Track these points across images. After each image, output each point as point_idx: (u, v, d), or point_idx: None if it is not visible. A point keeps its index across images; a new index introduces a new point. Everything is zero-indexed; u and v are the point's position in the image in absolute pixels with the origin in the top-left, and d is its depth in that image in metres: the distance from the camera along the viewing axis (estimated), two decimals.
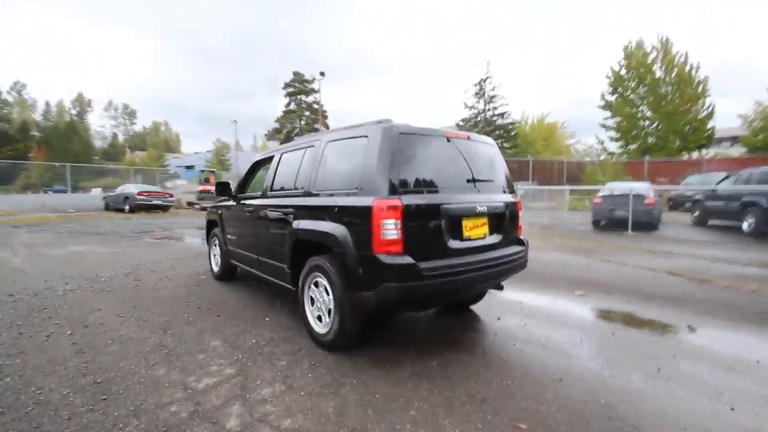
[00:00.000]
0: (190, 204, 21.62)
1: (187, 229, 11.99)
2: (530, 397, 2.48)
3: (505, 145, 33.45)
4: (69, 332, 3.55)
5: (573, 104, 67.35)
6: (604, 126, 25.05)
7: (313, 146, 3.56)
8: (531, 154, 29.93)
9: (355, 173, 2.93)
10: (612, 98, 24.27)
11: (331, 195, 3.10)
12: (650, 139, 23.31)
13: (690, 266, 6.26)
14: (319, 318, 3.22)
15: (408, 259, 2.64)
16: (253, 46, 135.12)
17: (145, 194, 17.62)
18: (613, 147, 25.49)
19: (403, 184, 2.76)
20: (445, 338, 3.42)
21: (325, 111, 27.95)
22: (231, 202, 4.94)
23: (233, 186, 5.01)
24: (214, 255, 5.55)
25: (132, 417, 2.27)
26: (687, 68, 21.50)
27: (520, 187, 17.54)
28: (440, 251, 2.85)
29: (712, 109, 21.69)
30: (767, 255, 7.23)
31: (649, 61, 22.55)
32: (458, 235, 2.98)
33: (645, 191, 10.88)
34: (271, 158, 4.36)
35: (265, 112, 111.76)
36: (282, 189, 3.87)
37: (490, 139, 3.64)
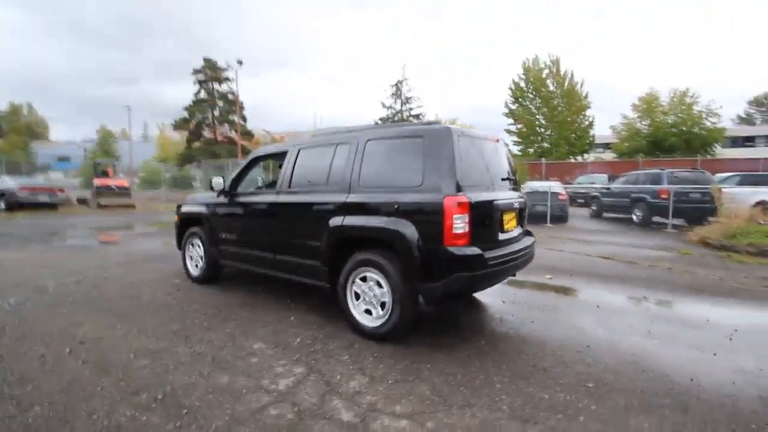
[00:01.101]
0: (81, 201, 18.64)
1: (106, 230, 10.47)
2: (577, 363, 2.93)
3: None
4: (67, 350, 3.05)
5: (481, 110, 73.70)
6: (507, 131, 28.06)
7: (347, 143, 3.58)
8: None
9: (413, 171, 3.07)
10: (514, 107, 27.29)
11: (384, 192, 3.19)
12: (545, 144, 26.78)
13: (612, 251, 7.56)
14: (367, 311, 3.29)
15: (476, 250, 2.90)
16: (137, 26, 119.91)
17: (28, 189, 14.77)
18: (515, 150, 28.67)
19: (464, 181, 3.00)
20: (470, 323, 3.75)
21: (242, 102, 26.32)
22: (221, 199, 4.61)
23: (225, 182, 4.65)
24: (191, 257, 5.10)
25: (236, 426, 2.15)
26: (574, 84, 25.24)
27: None
28: (492, 242, 3.16)
29: (593, 120, 25.89)
30: (659, 240, 9.04)
31: (543, 76, 25.90)
32: (501, 227, 3.32)
33: (559, 189, 12.62)
34: (281, 154, 4.20)
35: (156, 99, 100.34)
36: (308, 185, 3.80)
37: (503, 140, 4.05)
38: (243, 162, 4.63)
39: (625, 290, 4.93)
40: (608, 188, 13.08)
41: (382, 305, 3.19)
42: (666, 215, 10.54)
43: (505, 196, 3.42)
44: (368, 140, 3.43)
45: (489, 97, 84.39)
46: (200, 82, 25.93)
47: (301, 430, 2.12)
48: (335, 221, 3.39)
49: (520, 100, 26.92)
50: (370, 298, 3.26)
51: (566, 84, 25.48)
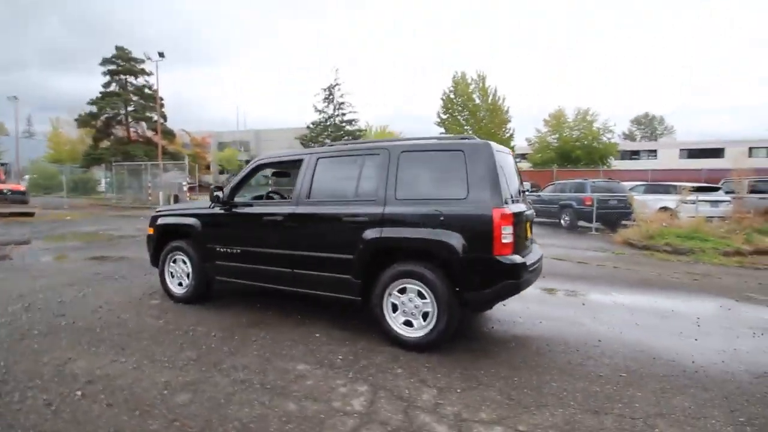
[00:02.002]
0: None
1: (16, 244, 8.82)
2: (601, 355, 3.28)
3: None
4: (78, 393, 2.60)
5: (412, 118, 76.16)
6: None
7: (376, 155, 3.57)
8: None
9: (456, 184, 3.19)
10: (445, 117, 28.86)
11: (424, 203, 3.25)
12: None
13: (559, 253, 8.43)
14: (407, 323, 3.32)
15: (521, 258, 3.12)
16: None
17: None
18: None
19: (504, 194, 3.19)
20: (484, 327, 3.97)
21: (162, 99, 23.94)
22: (217, 210, 4.25)
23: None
24: (172, 274, 4.60)
25: None
26: (497, 99, 27.55)
27: None
28: (524, 250, 3.40)
29: (513, 132, 28.46)
30: (590, 242, 10.26)
31: (470, 90, 27.85)
32: (527, 236, 3.59)
33: None
34: (293, 162, 4.01)
35: (43, 90, 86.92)
36: (332, 196, 3.70)
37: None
38: (245, 169, 4.31)
39: (593, 288, 5.57)
40: (539, 196, 14.47)
41: (424, 315, 3.25)
42: (590, 220, 12.02)
43: (524, 206, 3.70)
44: (402, 152, 3.47)
45: (422, 106, 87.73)
46: (111, 74, 23.02)
47: None
48: (371, 233, 3.36)
49: (450, 111, 28.54)
50: (410, 309, 3.29)
51: (490, 98, 27.65)
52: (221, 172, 44.96)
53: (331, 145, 4.07)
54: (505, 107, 27.90)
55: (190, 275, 4.45)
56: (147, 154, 23.21)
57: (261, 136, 47.90)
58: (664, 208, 11.24)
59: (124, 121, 24.28)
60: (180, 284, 4.56)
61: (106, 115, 23.64)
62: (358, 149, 3.81)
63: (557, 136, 30.21)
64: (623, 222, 11.86)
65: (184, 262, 4.51)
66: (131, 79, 23.80)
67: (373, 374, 2.91)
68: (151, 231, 4.84)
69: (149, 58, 21.41)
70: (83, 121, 23.54)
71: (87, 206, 20.36)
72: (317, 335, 3.65)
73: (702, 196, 11.04)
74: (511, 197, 3.51)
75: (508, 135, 28.17)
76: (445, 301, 3.14)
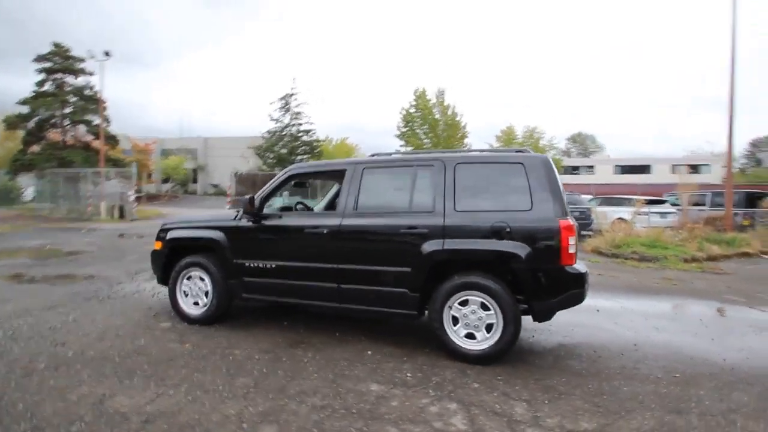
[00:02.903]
0: None
1: None
2: (645, 359, 3.47)
3: (311, 161, 34.94)
4: None
5: (367, 132, 76.42)
6: (399, 153, 29.97)
7: (430, 166, 3.54)
8: None
9: (519, 196, 3.25)
10: (405, 130, 29.42)
11: (485, 215, 3.27)
12: None
13: None
14: (469, 335, 3.29)
15: (584, 267, 3.22)
16: None
17: None
18: None
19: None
20: (524, 337, 4.04)
21: (105, 101, 21.92)
22: (245, 222, 3.96)
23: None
24: (185, 293, 4.19)
25: None
26: (455, 115, 28.67)
27: None
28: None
29: (470, 147, 29.64)
30: None
31: (430, 105, 28.71)
32: None
33: None
34: (335, 172, 3.86)
35: None
36: (383, 208, 3.60)
37: None
38: (276, 178, 4.05)
39: (595, 294, 5.83)
40: None
41: (488, 327, 3.24)
42: None
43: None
44: (457, 164, 3.48)
45: (374, 119, 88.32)
46: (46, 72, 20.69)
47: None
48: (431, 246, 3.31)
49: (409, 124, 29.15)
50: (473, 321, 3.27)
51: (449, 113, 28.70)
52: (165, 181, 42.08)
53: (374, 156, 3.98)
54: (463, 123, 29.09)
55: (210, 294, 4.07)
56: (86, 161, 21.07)
57: (210, 144, 45.59)
58: (621, 219, 12.26)
59: (59, 124, 21.89)
60: (196, 303, 4.16)
61: (38, 117, 21.17)
62: (408, 160, 3.76)
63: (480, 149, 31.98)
64: (582, 232, 12.77)
65: (202, 279, 4.13)
66: (70, 78, 21.59)
67: (453, 390, 2.84)
68: (158, 246, 4.39)
69: (93, 57, 19.62)
70: (11, 123, 20.87)
71: (13, 218, 17.99)
72: (369, 353, 3.49)
73: (653, 208, 12.21)
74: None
75: (465, 149, 29.31)
76: (511, 312, 3.15)
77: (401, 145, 29.62)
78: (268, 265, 3.85)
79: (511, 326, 3.16)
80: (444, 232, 3.32)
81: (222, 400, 2.66)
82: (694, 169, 35.04)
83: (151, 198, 34.67)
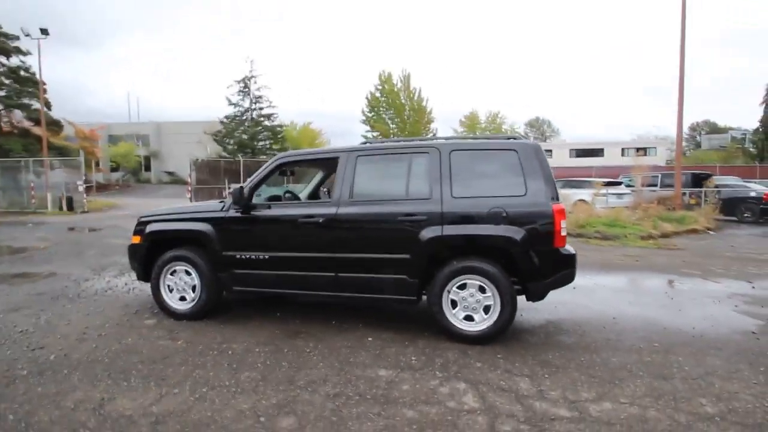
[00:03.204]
0: None
1: None
2: (625, 331, 3.73)
3: (274, 147, 33.93)
4: None
5: (329, 116, 74.82)
6: (365, 137, 29.76)
7: (425, 154, 3.56)
8: None
9: (514, 182, 3.35)
10: (371, 115, 29.25)
11: (481, 201, 3.35)
12: None
13: None
14: (468, 317, 3.40)
15: (573, 249, 3.39)
16: None
17: None
18: None
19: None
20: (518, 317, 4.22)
21: (45, 84, 20.01)
22: (233, 212, 3.82)
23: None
24: (170, 288, 4.01)
25: None
26: (421, 100, 28.81)
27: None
28: None
29: (436, 132, 30.01)
30: None
31: (396, 89, 28.65)
32: None
33: None
34: (326, 160, 3.78)
35: None
36: (379, 196, 3.59)
37: None
38: (265, 167, 3.91)
39: None
40: None
41: (486, 309, 3.36)
42: None
43: None
44: (452, 151, 3.52)
45: (346, 103, 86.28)
46: None
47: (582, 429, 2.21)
48: (430, 232, 3.36)
49: (375, 109, 28.99)
50: (471, 304, 3.37)
51: (415, 98, 28.78)
52: (114, 170, 39.44)
53: (366, 143, 3.93)
54: (429, 108, 29.30)
55: (198, 288, 3.93)
56: (26, 149, 19.35)
57: (163, 130, 43.06)
58: (582, 201, 12.94)
59: None
60: (182, 299, 4.00)
61: None
62: (402, 147, 3.75)
63: (472, 136, 32.71)
64: None
65: (188, 273, 3.96)
66: (1, 58, 19.49)
67: (458, 371, 2.94)
68: (136, 240, 4.16)
69: (28, 35, 17.78)
70: None
71: None
72: (370, 339, 3.53)
73: (611, 190, 12.97)
74: None
75: (431, 134, 29.58)
76: (508, 294, 3.28)
77: (367, 131, 29.50)
78: (261, 257, 3.76)
79: (509, 307, 3.29)
80: (442, 218, 3.37)
81: (231, 395, 2.61)
82: (642, 151, 37.43)
83: (101, 188, 32.46)
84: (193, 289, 3.97)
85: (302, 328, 3.80)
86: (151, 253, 4.07)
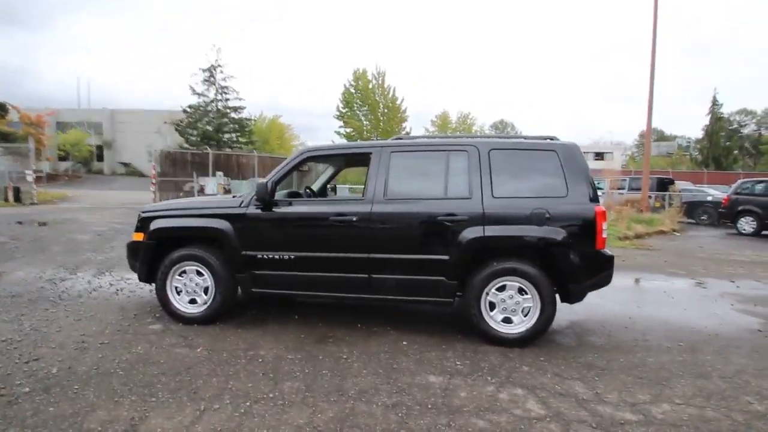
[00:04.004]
0: None
1: None
2: (650, 330, 3.82)
3: (241, 140, 32.71)
4: None
5: (299, 112, 73.06)
6: (338, 134, 29.37)
7: (462, 152, 3.45)
8: (266, 151, 30.93)
9: (555, 182, 3.31)
10: (345, 111, 28.82)
11: (522, 201, 3.29)
12: None
13: None
14: (506, 320, 3.33)
15: (610, 251, 3.41)
16: None
17: None
18: None
19: None
20: None
21: None
22: (254, 209, 3.53)
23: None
24: (178, 290, 3.67)
25: None
26: (395, 98, 28.72)
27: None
28: None
29: (410, 131, 30.06)
30: None
31: (370, 87, 28.38)
32: None
33: None
34: (357, 155, 3.58)
35: None
36: (416, 194, 3.45)
37: None
38: (289, 161, 3.64)
39: None
40: None
41: (525, 311, 3.31)
42: None
43: None
44: (491, 150, 3.43)
45: (316, 99, 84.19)
46: None
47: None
48: (472, 232, 3.26)
49: (350, 105, 28.60)
50: (510, 306, 3.31)
51: (390, 96, 28.66)
52: (63, 159, 36.41)
53: (399, 139, 3.76)
54: (403, 107, 29.29)
55: (212, 289, 3.61)
56: None
57: (117, 118, 40.36)
58: None
59: None
60: (192, 301, 3.67)
61: None
62: (439, 144, 3.62)
63: (507, 135, 33.19)
64: None
65: (200, 274, 3.64)
66: None
67: (509, 376, 2.86)
68: (139, 237, 3.77)
69: None
70: None
71: None
72: (404, 343, 3.38)
73: None
74: None
75: (404, 133, 29.62)
76: (549, 296, 3.25)
77: (340, 126, 29.06)
78: (286, 257, 3.50)
79: (549, 308, 3.26)
80: (484, 218, 3.28)
81: (281, 409, 2.38)
82: (599, 156, 39.53)
83: (49, 178, 29.88)
84: (206, 291, 3.64)
85: (328, 331, 3.59)
86: (157, 252, 3.70)
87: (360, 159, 3.67)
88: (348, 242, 3.44)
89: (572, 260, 3.23)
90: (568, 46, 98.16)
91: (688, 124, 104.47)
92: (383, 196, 3.44)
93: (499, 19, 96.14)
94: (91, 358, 2.96)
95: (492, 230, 3.27)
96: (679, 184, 16.45)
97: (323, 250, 3.49)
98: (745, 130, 48.87)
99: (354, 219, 3.40)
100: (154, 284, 3.78)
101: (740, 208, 11.52)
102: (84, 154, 36.55)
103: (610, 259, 3.36)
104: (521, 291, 3.30)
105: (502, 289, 3.32)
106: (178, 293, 3.69)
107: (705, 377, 2.92)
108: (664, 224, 11.61)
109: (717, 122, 37.31)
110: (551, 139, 3.58)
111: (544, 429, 2.25)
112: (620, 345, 3.48)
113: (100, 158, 39.61)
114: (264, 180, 3.48)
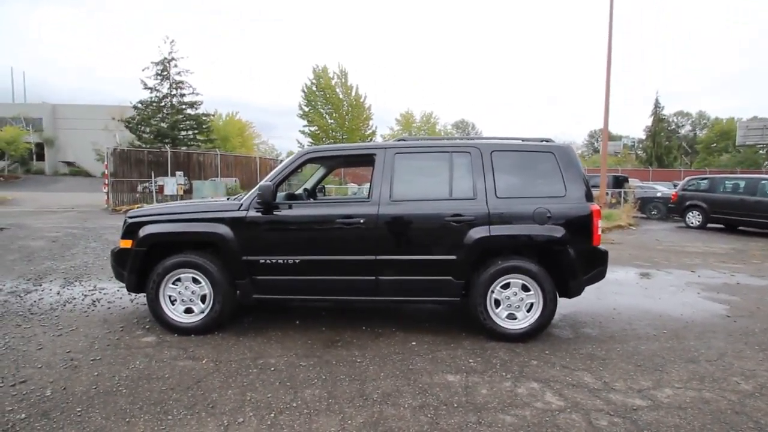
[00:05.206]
0: None
1: None
2: (634, 320, 4.09)
3: (199, 137, 31.30)
4: None
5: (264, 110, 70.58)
6: (302, 132, 28.82)
7: (465, 153, 3.51)
8: (226, 150, 29.91)
9: (553, 183, 3.45)
10: (308, 109, 28.30)
11: (523, 201, 3.40)
12: None
13: None
14: (510, 316, 3.44)
15: (604, 247, 3.60)
16: None
17: None
18: None
19: None
20: None
21: None
22: (254, 212, 3.41)
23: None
24: (172, 299, 3.47)
25: None
26: (359, 97, 28.55)
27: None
28: None
29: (375, 129, 30.06)
30: None
31: (332, 84, 28.04)
32: None
33: None
34: (360, 156, 3.54)
35: None
36: (423, 195, 3.48)
37: None
38: (289, 163, 3.53)
39: None
40: None
41: (529, 307, 3.43)
42: None
43: None
44: (493, 151, 3.52)
45: (275, 96, 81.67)
46: None
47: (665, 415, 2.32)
48: (478, 232, 3.33)
49: (312, 103, 28.11)
50: (515, 303, 3.42)
51: (353, 94, 28.45)
52: None
53: (402, 140, 3.75)
54: (367, 104, 29.20)
55: (210, 297, 3.45)
56: None
57: (59, 113, 37.42)
58: None
59: None
60: (188, 311, 3.49)
61: None
62: (442, 146, 3.65)
63: (407, 134, 33.41)
64: None
65: (196, 282, 3.47)
66: None
67: (521, 370, 2.95)
68: (127, 244, 3.52)
69: None
70: None
71: None
72: (413, 343, 3.41)
73: None
74: None
75: (370, 131, 29.61)
76: (551, 292, 3.39)
77: (305, 125, 28.51)
78: (290, 261, 3.41)
79: (551, 305, 3.40)
80: (489, 218, 3.37)
81: (308, 417, 2.33)
82: None
83: None
84: (203, 299, 3.48)
85: (334, 335, 3.54)
86: (147, 259, 3.48)
87: (362, 160, 3.63)
88: (355, 244, 3.41)
89: (572, 257, 3.39)
90: (521, 48, 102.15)
91: (629, 125, 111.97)
92: (389, 197, 3.44)
93: (457, 20, 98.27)
94: (86, 377, 2.74)
95: (497, 230, 3.36)
96: (632, 182, 17.64)
97: (329, 253, 3.43)
98: (682, 131, 53.28)
99: (361, 221, 3.37)
100: (144, 294, 3.56)
101: (688, 203, 12.53)
102: (21, 153, 33.55)
103: (604, 255, 3.56)
104: (524, 288, 3.42)
105: (506, 286, 3.43)
106: (173, 302, 3.49)
107: (694, 362, 3.17)
108: (621, 219, 12.40)
109: (659, 123, 40.33)
110: (547, 141, 3.73)
111: (567, 420, 2.35)
112: (613, 335, 3.69)
113: (41, 157, 36.58)
114: (267, 181, 3.37)
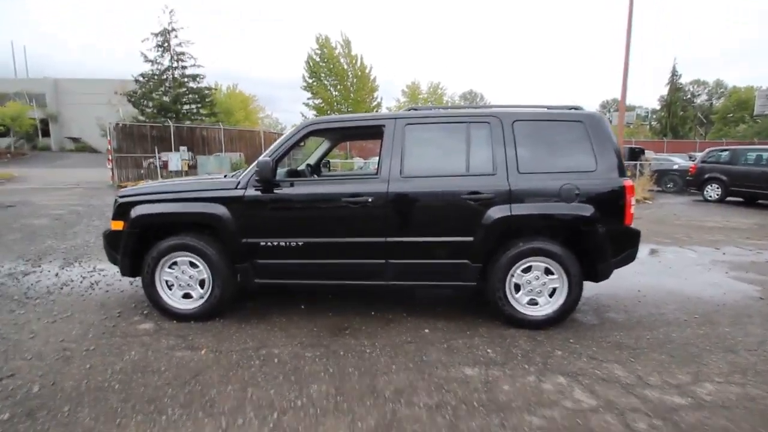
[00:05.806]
0: None
1: None
2: (662, 304, 3.81)
3: (203, 111, 30.73)
4: None
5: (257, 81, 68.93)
6: (306, 105, 28.09)
7: (484, 123, 3.16)
8: (230, 124, 29.39)
9: (583, 156, 3.11)
10: (311, 81, 27.45)
11: (548, 176, 3.08)
12: None
13: None
14: (531, 302, 3.19)
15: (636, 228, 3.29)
16: None
17: None
18: None
19: None
20: None
21: None
22: (254, 191, 3.14)
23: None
24: (169, 284, 3.27)
25: None
26: (364, 67, 27.56)
27: None
28: None
29: (381, 100, 29.20)
30: None
31: (336, 54, 27.04)
32: None
33: None
34: (367, 128, 3.22)
35: None
36: (438, 171, 3.16)
37: None
38: (290, 136, 3.22)
39: None
40: None
41: (551, 292, 3.17)
42: None
43: None
44: (515, 121, 3.17)
45: (276, 70, 79.82)
46: None
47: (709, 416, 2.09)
48: (498, 212, 3.03)
49: (316, 74, 27.24)
50: (536, 287, 3.16)
51: (358, 65, 27.47)
52: (3, 135, 33.05)
53: (413, 109, 3.40)
54: (372, 75, 28.24)
55: (208, 282, 3.23)
56: None
57: (62, 88, 36.90)
58: None
59: None
60: (186, 296, 3.28)
61: None
62: (458, 115, 3.31)
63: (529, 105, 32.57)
64: None
65: (194, 266, 3.24)
66: None
67: (545, 362, 2.72)
68: (119, 225, 3.28)
69: None
70: None
71: None
72: (426, 331, 3.18)
73: None
74: None
75: (375, 103, 28.78)
76: (576, 275, 3.12)
77: (309, 98, 27.77)
78: (293, 243, 3.15)
79: (577, 289, 3.13)
80: (510, 196, 3.05)
81: (314, 419, 2.13)
82: None
83: None
84: (201, 284, 3.26)
85: (341, 322, 3.33)
86: (140, 242, 3.25)
87: (369, 132, 3.32)
88: (363, 225, 3.13)
89: (601, 237, 3.09)
90: (533, 16, 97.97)
91: (642, 95, 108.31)
92: (400, 173, 3.13)
93: None
94: (78, 370, 2.56)
95: (519, 208, 3.05)
96: (647, 154, 16.99)
97: (335, 235, 3.17)
98: (698, 101, 51.29)
99: (369, 200, 3.08)
100: (140, 278, 3.35)
101: (707, 176, 12.01)
102: (26, 129, 33.34)
103: (636, 235, 3.25)
104: (547, 271, 3.15)
105: (527, 270, 3.16)
106: (170, 287, 3.28)
107: (732, 351, 2.91)
108: (637, 193, 11.94)
109: (675, 92, 38.75)
110: (575, 108, 3.35)
111: (602, 422, 2.12)
112: (641, 320, 3.44)
113: (46, 133, 36.39)
114: (265, 157, 3.07)
